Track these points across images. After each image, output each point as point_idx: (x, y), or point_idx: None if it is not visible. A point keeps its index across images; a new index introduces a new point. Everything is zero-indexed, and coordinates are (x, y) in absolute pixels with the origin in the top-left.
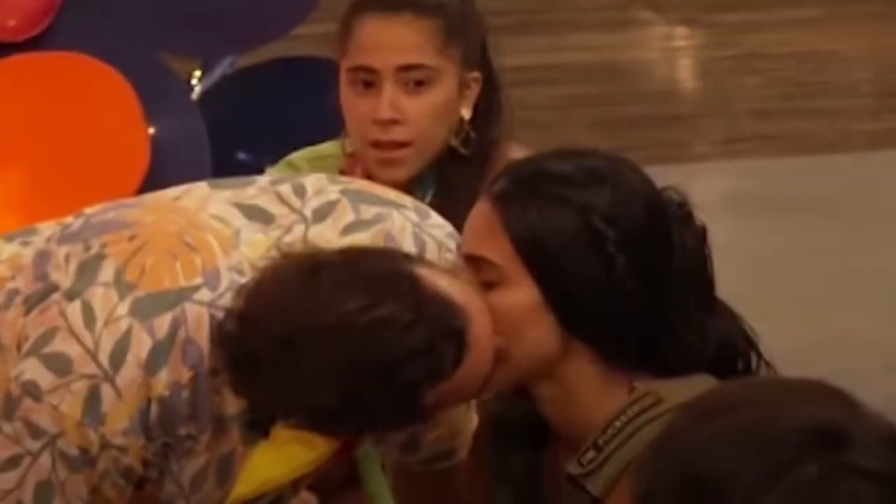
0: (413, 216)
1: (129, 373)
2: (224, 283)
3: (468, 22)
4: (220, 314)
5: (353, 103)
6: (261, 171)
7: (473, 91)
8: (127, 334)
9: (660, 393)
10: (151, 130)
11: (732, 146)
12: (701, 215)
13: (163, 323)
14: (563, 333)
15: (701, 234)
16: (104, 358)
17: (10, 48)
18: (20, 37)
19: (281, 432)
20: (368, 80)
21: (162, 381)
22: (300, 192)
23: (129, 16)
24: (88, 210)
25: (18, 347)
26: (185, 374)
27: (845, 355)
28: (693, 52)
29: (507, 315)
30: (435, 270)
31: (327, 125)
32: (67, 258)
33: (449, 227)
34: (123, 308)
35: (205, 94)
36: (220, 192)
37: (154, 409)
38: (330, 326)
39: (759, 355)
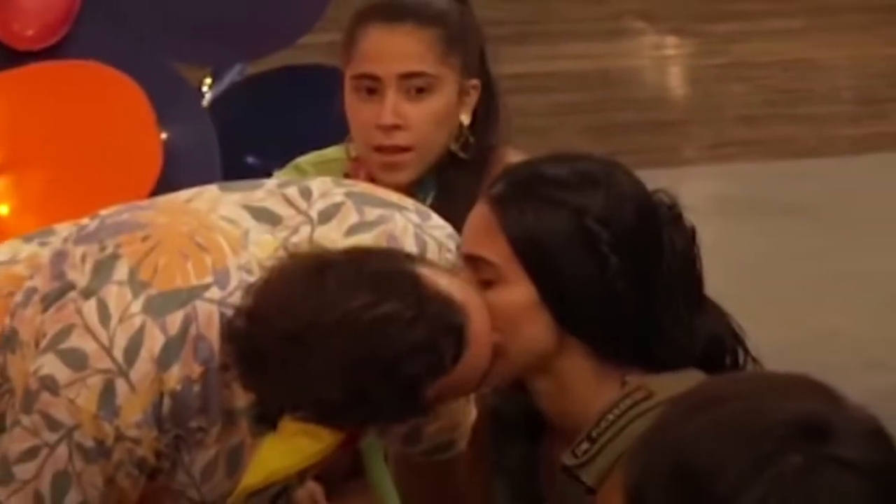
0: (414, 218)
1: (142, 368)
2: (233, 282)
3: (467, 31)
4: (229, 312)
5: (356, 109)
6: (268, 175)
7: (472, 98)
8: (140, 331)
9: (651, 387)
10: (164, 135)
11: (719, 151)
12: (688, 218)
13: (175, 320)
14: (558, 330)
15: (690, 236)
16: (119, 353)
17: (28, 56)
18: (38, 46)
19: (288, 425)
20: (372, 88)
21: (174, 375)
22: (306, 194)
23: (142, 26)
24: (103, 212)
25: (36, 343)
26: (196, 370)
27: (826, 353)
28: (682, 60)
29: (505, 312)
30: (435, 270)
31: (332, 130)
32: (83, 258)
33: (449, 228)
34: (137, 306)
35: (215, 101)
36: (230, 194)
37: (166, 402)
38: (335, 324)
39: (746, 351)
